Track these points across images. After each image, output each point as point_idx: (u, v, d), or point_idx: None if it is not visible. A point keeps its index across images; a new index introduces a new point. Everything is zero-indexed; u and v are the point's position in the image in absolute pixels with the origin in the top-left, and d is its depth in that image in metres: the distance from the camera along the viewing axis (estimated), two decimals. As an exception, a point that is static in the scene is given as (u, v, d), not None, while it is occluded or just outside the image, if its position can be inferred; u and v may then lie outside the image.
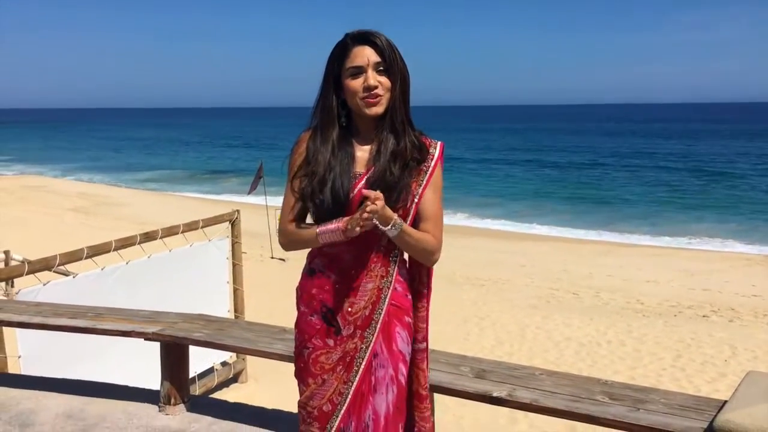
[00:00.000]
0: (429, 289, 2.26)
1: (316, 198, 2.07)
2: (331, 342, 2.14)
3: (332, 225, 2.04)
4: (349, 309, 2.12)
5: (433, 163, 2.15)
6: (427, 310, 2.27)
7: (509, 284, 12.95)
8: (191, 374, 6.65)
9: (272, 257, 14.69)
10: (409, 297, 2.21)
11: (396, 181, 2.05)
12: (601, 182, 34.79)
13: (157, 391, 3.73)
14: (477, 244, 18.24)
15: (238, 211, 7.57)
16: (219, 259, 7.34)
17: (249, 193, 17.01)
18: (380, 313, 2.12)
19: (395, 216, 2.02)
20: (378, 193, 1.94)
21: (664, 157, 47.13)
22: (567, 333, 9.58)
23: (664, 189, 31.62)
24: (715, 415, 2.30)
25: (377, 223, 1.97)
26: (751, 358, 8.44)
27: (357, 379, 2.11)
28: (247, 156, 50.72)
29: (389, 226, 2.00)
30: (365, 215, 1.91)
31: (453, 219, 23.21)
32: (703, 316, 10.85)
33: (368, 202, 1.92)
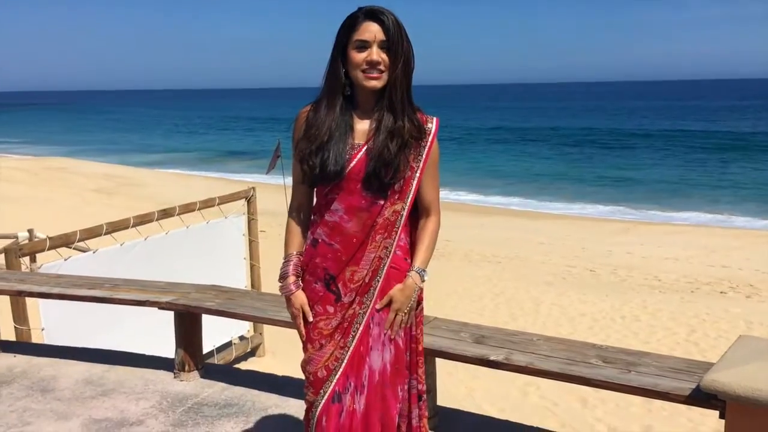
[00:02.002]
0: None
1: (311, 160, 2.16)
2: (331, 309, 2.22)
3: (289, 283, 2.29)
4: (351, 277, 2.20)
5: (430, 139, 2.24)
6: None
7: (526, 261, 12.98)
8: (210, 348, 6.86)
9: (291, 235, 14.82)
10: (408, 260, 2.28)
11: (392, 158, 2.14)
12: (623, 160, 34.47)
13: (173, 359, 3.87)
14: (495, 222, 18.26)
15: (253, 188, 7.70)
16: (235, 235, 7.48)
17: (267, 173, 17.13)
18: (378, 279, 2.21)
19: (415, 288, 2.24)
20: (390, 318, 2.21)
21: (686, 134, 46.53)
22: (582, 309, 9.62)
23: (687, 166, 31.28)
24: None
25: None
26: (767, 333, 8.44)
27: (354, 343, 2.20)
28: (266, 136, 50.93)
29: (416, 295, 2.25)
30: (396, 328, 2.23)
31: (471, 197, 23.23)
32: (721, 293, 10.83)
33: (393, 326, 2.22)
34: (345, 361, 2.19)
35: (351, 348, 2.20)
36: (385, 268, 2.21)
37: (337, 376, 2.19)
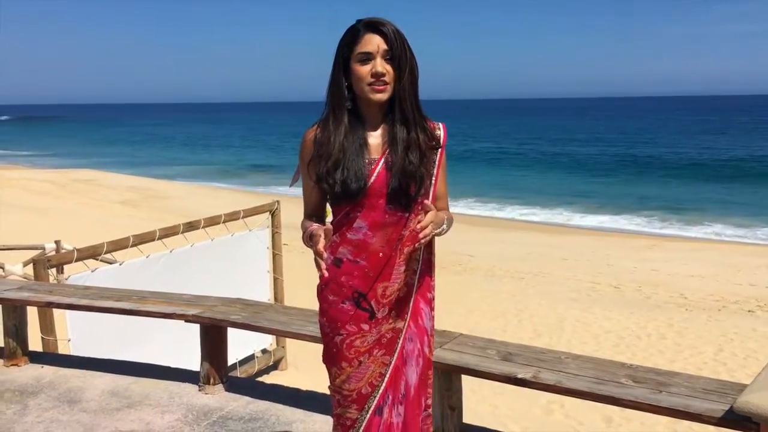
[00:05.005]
0: (434, 255, 2.33)
1: (330, 179, 2.12)
2: (365, 326, 2.19)
3: (314, 229, 2.11)
4: (383, 292, 2.18)
5: (441, 144, 2.24)
6: (434, 277, 2.35)
7: (550, 277, 12.87)
8: (233, 361, 6.87)
9: (314, 249, 14.85)
10: (431, 273, 2.28)
11: (415, 170, 2.12)
12: (647, 176, 34.21)
13: (198, 372, 3.88)
14: (518, 237, 18.15)
15: (278, 201, 7.73)
16: (259, 248, 7.51)
17: (291, 186, 17.24)
18: (413, 294, 2.21)
19: (444, 220, 2.16)
20: (428, 218, 2.03)
21: (715, 151, 46.03)
22: (606, 326, 9.51)
23: (715, 183, 30.94)
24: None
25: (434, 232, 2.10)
26: (797, 353, 8.28)
27: (396, 357, 2.20)
28: (289, 149, 51.24)
29: (440, 230, 2.16)
30: (422, 240, 2.04)
31: (494, 212, 23.14)
32: (749, 311, 10.65)
33: (421, 230, 2.02)
34: (387, 377, 2.19)
35: (393, 363, 2.20)
36: (417, 282, 2.21)
37: (381, 391, 2.19)
